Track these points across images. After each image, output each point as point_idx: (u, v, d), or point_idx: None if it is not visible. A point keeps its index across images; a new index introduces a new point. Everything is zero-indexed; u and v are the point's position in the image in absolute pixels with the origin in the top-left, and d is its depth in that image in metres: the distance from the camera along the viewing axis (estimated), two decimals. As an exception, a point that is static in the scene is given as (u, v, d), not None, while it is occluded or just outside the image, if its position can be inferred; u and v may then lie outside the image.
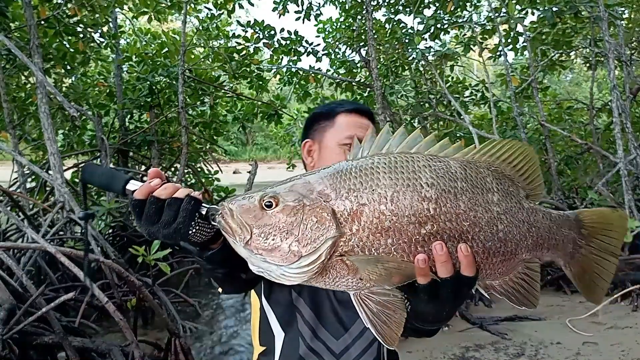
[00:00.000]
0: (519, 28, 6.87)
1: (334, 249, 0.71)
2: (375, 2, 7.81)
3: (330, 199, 0.73)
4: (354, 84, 8.59)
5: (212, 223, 0.78)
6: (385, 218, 0.71)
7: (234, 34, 7.91)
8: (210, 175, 8.37)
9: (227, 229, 0.75)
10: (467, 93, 8.10)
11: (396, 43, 7.72)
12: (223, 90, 8.34)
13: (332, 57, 8.49)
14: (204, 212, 0.79)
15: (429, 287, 0.73)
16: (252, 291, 1.23)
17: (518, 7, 6.50)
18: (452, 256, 0.71)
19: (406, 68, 8.19)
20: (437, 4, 7.52)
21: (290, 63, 8.22)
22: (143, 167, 8.31)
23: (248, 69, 7.92)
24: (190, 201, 0.78)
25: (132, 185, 0.83)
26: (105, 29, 7.34)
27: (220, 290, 1.04)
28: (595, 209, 0.85)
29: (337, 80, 8.44)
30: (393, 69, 7.95)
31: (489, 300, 4.99)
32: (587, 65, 7.90)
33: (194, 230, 0.78)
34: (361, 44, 8.22)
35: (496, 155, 0.79)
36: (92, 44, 7.00)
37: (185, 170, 7.45)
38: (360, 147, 0.79)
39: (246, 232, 0.73)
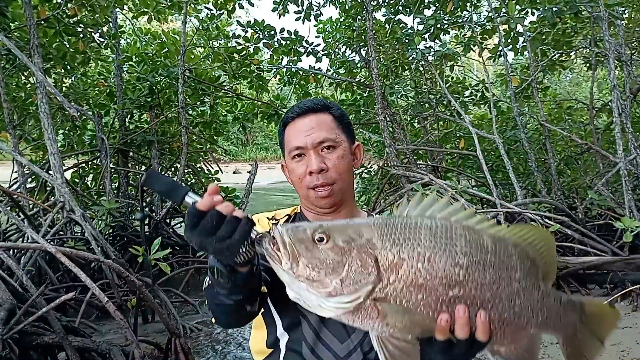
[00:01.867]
0: (519, 28, 6.87)
1: (371, 293, 0.78)
2: (375, 2, 7.81)
3: (375, 248, 0.79)
4: (354, 84, 8.59)
5: (257, 247, 0.84)
6: (420, 275, 0.78)
7: (234, 34, 7.91)
8: (210, 175, 8.37)
9: (274, 254, 0.81)
10: (467, 93, 8.10)
11: (396, 43, 7.72)
12: (223, 90, 8.34)
13: (332, 57, 8.49)
14: (253, 236, 0.84)
15: (444, 344, 0.80)
16: None
17: (518, 7, 6.50)
18: (470, 320, 0.79)
19: (406, 68, 8.19)
20: (437, 4, 7.53)
21: (290, 63, 8.23)
22: (143, 167, 8.31)
23: (248, 69, 7.92)
24: (247, 222, 0.83)
25: (190, 198, 0.89)
26: (105, 29, 7.34)
27: (214, 319, 1.06)
28: (597, 303, 0.96)
29: (337, 80, 8.44)
30: (393, 69, 7.95)
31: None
32: (587, 65, 7.90)
33: (242, 251, 0.83)
34: (361, 44, 8.22)
35: (524, 237, 0.87)
36: (92, 44, 7.00)
37: (185, 170, 7.46)
38: (407, 206, 0.86)
39: (294, 260, 0.79)
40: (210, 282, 0.97)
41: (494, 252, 0.82)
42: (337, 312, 0.78)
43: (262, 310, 1.18)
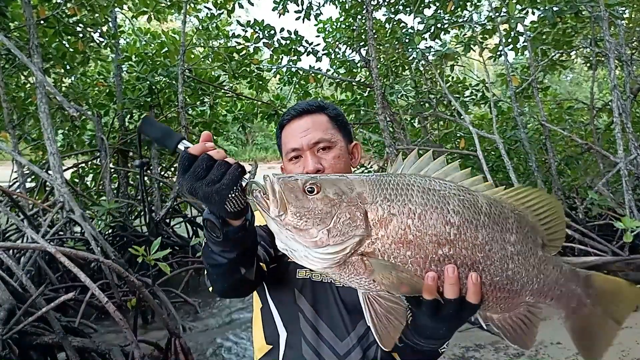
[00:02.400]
0: (519, 28, 6.87)
1: (358, 247, 0.76)
2: (375, 2, 7.80)
3: (366, 202, 0.78)
4: (354, 84, 8.58)
5: (248, 196, 0.83)
6: (410, 232, 0.76)
7: (233, 33, 7.90)
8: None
9: (263, 202, 0.80)
10: (467, 93, 8.09)
11: (396, 43, 7.71)
12: (223, 90, 8.34)
13: (332, 57, 8.48)
14: (244, 184, 0.83)
15: (432, 304, 0.78)
16: (254, 292, 1.23)
17: (518, 6, 6.50)
18: (460, 281, 0.77)
19: (406, 68, 8.18)
20: (437, 4, 7.52)
21: (290, 63, 8.22)
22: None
23: (248, 69, 7.91)
24: (238, 167, 0.83)
25: (183, 145, 0.90)
26: (104, 28, 7.33)
27: (211, 288, 1.05)
28: (610, 277, 0.89)
29: (337, 80, 8.43)
30: (393, 69, 7.94)
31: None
32: (588, 65, 7.90)
33: (232, 196, 0.82)
34: (361, 44, 8.21)
35: (523, 200, 0.84)
36: (91, 44, 6.99)
37: (185, 170, 7.44)
38: (402, 165, 0.85)
39: (282, 208, 0.78)
40: (205, 240, 0.97)
41: (488, 213, 0.80)
42: (324, 264, 0.77)
43: (261, 305, 1.18)
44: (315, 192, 0.78)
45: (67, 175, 6.61)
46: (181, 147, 0.90)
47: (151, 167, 7.65)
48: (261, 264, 1.07)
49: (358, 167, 7.05)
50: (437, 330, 0.84)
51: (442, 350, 0.96)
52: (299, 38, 7.86)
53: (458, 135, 8.23)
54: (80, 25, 6.52)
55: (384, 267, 0.76)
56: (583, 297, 0.86)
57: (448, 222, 0.77)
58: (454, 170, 0.84)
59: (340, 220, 0.76)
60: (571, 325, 0.87)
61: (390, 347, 0.79)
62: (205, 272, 1.03)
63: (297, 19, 7.78)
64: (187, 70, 7.35)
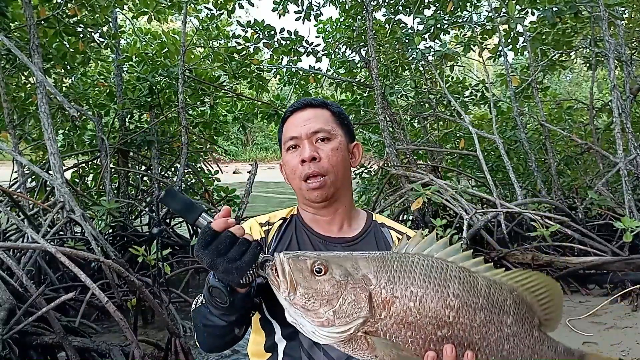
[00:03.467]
0: (519, 28, 6.87)
1: (362, 327, 0.82)
2: (375, 2, 7.81)
3: (370, 284, 0.83)
4: (354, 84, 8.59)
5: (261, 271, 0.89)
6: (411, 314, 0.81)
7: (234, 34, 7.91)
8: (210, 175, 8.37)
9: (274, 280, 0.85)
10: (467, 93, 8.10)
11: (396, 43, 7.72)
12: (223, 90, 8.34)
13: (332, 57, 8.49)
14: (259, 260, 0.89)
15: None
16: None
17: (518, 7, 6.50)
18: (457, 359, 0.81)
19: (406, 68, 8.19)
20: (437, 4, 7.52)
21: (290, 63, 8.22)
22: (143, 167, 8.31)
23: (248, 69, 7.91)
24: (257, 246, 0.88)
25: (204, 219, 0.95)
26: (105, 29, 7.33)
27: (199, 345, 1.08)
28: (603, 356, 0.95)
29: (337, 80, 8.44)
30: (393, 69, 7.95)
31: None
32: (587, 65, 7.90)
33: (250, 272, 0.88)
34: (361, 44, 8.21)
35: (522, 282, 0.89)
36: (92, 44, 6.99)
37: (185, 170, 7.46)
38: (406, 244, 0.89)
39: (292, 288, 0.83)
40: (202, 302, 1.00)
41: (487, 296, 0.84)
42: (329, 340, 0.82)
43: (260, 316, 1.19)
44: (322, 272, 0.84)
45: (68, 175, 6.62)
46: (202, 220, 0.94)
47: (151, 168, 7.66)
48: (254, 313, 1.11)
49: (358, 167, 7.05)
50: None
51: None
52: (299, 38, 7.86)
53: (458, 135, 8.24)
54: (81, 25, 6.52)
55: (386, 345, 0.81)
56: None
57: (448, 306, 0.82)
58: (456, 251, 0.88)
59: (345, 302, 0.81)
60: None
61: None
62: (195, 330, 1.06)
63: (297, 19, 7.78)
64: (187, 71, 7.36)
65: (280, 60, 8.23)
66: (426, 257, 0.86)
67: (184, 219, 0.99)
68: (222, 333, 1.01)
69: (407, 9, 7.78)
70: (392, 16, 7.93)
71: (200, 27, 7.74)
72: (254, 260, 0.87)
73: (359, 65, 8.66)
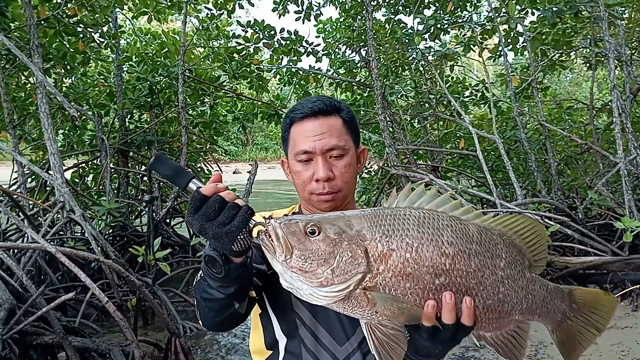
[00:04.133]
0: (519, 28, 6.87)
1: (360, 282, 0.81)
2: (375, 2, 7.81)
3: (365, 239, 0.83)
4: (354, 84, 8.59)
5: (254, 237, 0.87)
6: (408, 265, 0.82)
7: (234, 34, 7.91)
8: (210, 175, 8.36)
9: (269, 245, 0.84)
10: (467, 93, 8.10)
11: (396, 43, 7.71)
12: (223, 90, 8.34)
13: (332, 57, 8.49)
14: (251, 225, 0.87)
15: (431, 329, 0.83)
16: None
17: (518, 7, 6.50)
18: (456, 306, 0.82)
19: (406, 68, 8.19)
20: (437, 4, 7.52)
21: (290, 63, 8.22)
22: (143, 167, 8.31)
23: (248, 69, 7.91)
24: (248, 210, 0.87)
25: (194, 184, 0.93)
26: (105, 29, 7.34)
27: (201, 323, 1.07)
28: (589, 289, 0.99)
29: (337, 80, 8.44)
30: (393, 69, 7.94)
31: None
32: (587, 65, 7.90)
33: (240, 237, 0.85)
34: (361, 44, 8.21)
35: (510, 226, 0.91)
36: (92, 44, 6.99)
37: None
38: (396, 199, 0.90)
39: (287, 251, 0.82)
40: (202, 275, 0.98)
41: (479, 242, 0.86)
42: (328, 300, 0.81)
43: (260, 311, 1.19)
44: (316, 233, 0.83)
45: (68, 175, 6.62)
46: (192, 186, 0.93)
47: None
48: (251, 291, 1.07)
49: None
50: (434, 350, 0.89)
51: None
52: (299, 38, 7.86)
53: (458, 135, 8.23)
54: (81, 25, 6.52)
55: (386, 299, 0.81)
56: (567, 311, 0.95)
57: (443, 254, 0.83)
58: (445, 201, 0.89)
59: (342, 259, 0.81)
60: (557, 336, 0.97)
61: None
62: (197, 306, 1.05)
63: (297, 19, 7.78)
64: (187, 71, 7.36)
65: (280, 60, 8.23)
66: (417, 209, 0.87)
67: (175, 184, 0.96)
68: (221, 307, 0.98)
69: (407, 9, 7.78)
70: (392, 16, 7.93)
71: (200, 27, 7.74)
72: (244, 224, 0.85)
73: (359, 65, 8.66)
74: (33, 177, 6.60)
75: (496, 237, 0.88)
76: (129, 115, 8.06)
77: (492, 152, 7.92)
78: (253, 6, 7.70)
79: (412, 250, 0.82)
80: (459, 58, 7.68)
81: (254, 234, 0.87)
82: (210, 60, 7.99)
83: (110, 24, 7.51)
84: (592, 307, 0.96)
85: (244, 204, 0.87)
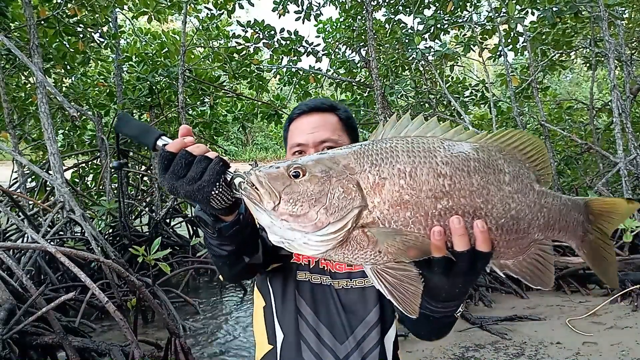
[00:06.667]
0: (519, 28, 6.87)
1: (357, 220, 0.74)
2: (375, 2, 7.81)
3: (355, 172, 0.76)
4: (354, 84, 8.58)
5: (235, 191, 0.79)
6: (404, 192, 0.74)
7: (234, 34, 7.91)
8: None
9: (253, 195, 0.76)
10: (467, 93, 8.09)
11: (396, 43, 7.71)
12: (223, 90, 8.34)
13: (332, 57, 8.49)
14: (228, 178, 0.79)
15: (444, 261, 0.75)
16: (256, 290, 1.23)
17: (518, 7, 6.50)
18: (467, 231, 0.74)
19: (406, 68, 8.19)
20: (437, 4, 7.52)
21: (290, 63, 8.22)
22: (143, 167, 8.31)
23: (248, 69, 7.92)
24: (219, 162, 0.79)
25: (162, 141, 0.86)
26: (105, 29, 7.34)
27: (221, 277, 1.05)
28: (607, 198, 0.88)
29: (337, 80, 8.44)
30: (393, 69, 7.94)
31: (488, 300, 4.99)
32: (587, 65, 7.90)
33: (215, 192, 0.78)
34: (361, 44, 8.21)
35: (507, 142, 0.83)
36: (92, 44, 7.00)
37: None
38: (381, 131, 0.83)
39: (275, 198, 0.74)
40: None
41: (477, 158, 0.78)
42: (326, 246, 0.74)
43: (264, 304, 1.18)
44: (301, 175, 0.76)
45: (68, 175, 6.62)
46: (160, 143, 0.86)
47: (151, 168, 7.66)
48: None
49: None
50: (453, 289, 0.81)
51: (457, 315, 0.92)
52: (299, 38, 7.86)
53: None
54: (81, 25, 6.52)
55: (387, 234, 0.73)
56: (586, 224, 0.85)
57: (440, 174, 0.75)
58: (433, 125, 0.82)
59: (334, 196, 0.74)
60: (585, 253, 0.86)
61: (416, 314, 0.75)
62: (213, 261, 1.02)
63: (297, 19, 7.78)
64: (187, 71, 7.36)
65: (280, 60, 8.23)
66: (404, 137, 0.80)
67: (144, 144, 0.89)
68: (231, 262, 0.96)
69: (407, 9, 7.78)
70: (392, 16, 7.93)
71: (200, 27, 7.74)
72: (216, 178, 0.77)
73: (359, 65, 8.66)
74: (33, 177, 6.60)
75: (495, 152, 0.80)
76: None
77: (492, 152, 7.90)
78: (253, 6, 7.69)
79: (406, 175, 0.75)
80: (459, 58, 7.67)
81: (238, 188, 0.79)
82: (210, 60, 7.99)
83: (110, 24, 7.51)
84: (606, 216, 0.86)
85: (216, 155, 0.80)
